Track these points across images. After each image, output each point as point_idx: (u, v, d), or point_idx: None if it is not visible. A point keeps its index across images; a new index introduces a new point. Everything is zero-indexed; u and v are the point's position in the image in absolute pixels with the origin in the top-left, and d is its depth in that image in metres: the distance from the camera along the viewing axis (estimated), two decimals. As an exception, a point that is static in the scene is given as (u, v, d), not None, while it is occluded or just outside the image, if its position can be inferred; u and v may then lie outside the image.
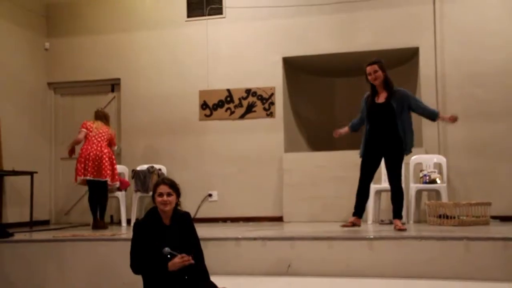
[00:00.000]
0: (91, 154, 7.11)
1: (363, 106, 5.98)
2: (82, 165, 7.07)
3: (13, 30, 8.22)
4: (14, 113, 8.09)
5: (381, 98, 5.81)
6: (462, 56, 7.59)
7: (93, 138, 7.22)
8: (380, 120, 5.79)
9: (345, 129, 6.24)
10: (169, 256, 3.73)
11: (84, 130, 7.23)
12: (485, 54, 7.51)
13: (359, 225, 5.90)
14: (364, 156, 5.93)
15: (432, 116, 5.98)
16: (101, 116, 7.50)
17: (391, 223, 6.67)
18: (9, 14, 8.14)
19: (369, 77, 5.79)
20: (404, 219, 6.81)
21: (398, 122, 5.73)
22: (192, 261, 3.73)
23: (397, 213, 5.86)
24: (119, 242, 5.55)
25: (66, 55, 8.88)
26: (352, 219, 5.90)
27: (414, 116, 8.11)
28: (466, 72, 7.55)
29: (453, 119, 5.89)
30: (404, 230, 5.57)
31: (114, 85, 8.84)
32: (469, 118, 7.45)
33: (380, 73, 5.74)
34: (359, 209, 5.96)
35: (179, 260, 3.71)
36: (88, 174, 7.06)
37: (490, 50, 7.50)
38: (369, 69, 5.78)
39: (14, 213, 7.80)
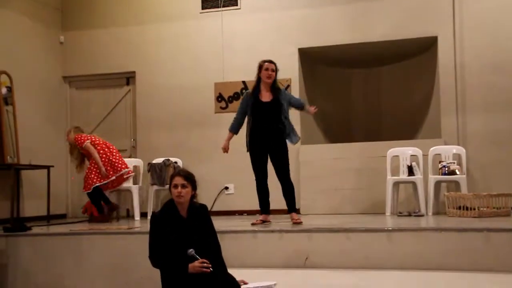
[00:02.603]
0: (115, 154, 7.26)
1: (246, 104, 6.06)
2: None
3: (28, 24, 8.25)
4: (30, 107, 8.13)
5: (266, 97, 6.01)
6: (482, 44, 7.46)
7: (102, 143, 7.29)
8: (265, 117, 5.96)
9: (228, 137, 6.28)
10: (192, 254, 3.74)
11: (88, 141, 7.19)
12: (505, 42, 7.38)
13: (269, 221, 6.04)
14: (253, 153, 6.06)
15: (301, 106, 6.23)
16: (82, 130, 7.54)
17: (409, 215, 6.61)
18: (24, 8, 8.16)
19: (265, 73, 5.96)
20: (422, 210, 6.75)
21: (283, 118, 5.97)
22: (210, 270, 3.71)
23: (292, 206, 6.04)
24: (136, 235, 5.56)
25: (81, 49, 8.89)
26: (261, 217, 6.05)
27: (432, 107, 8.08)
28: (486, 61, 7.41)
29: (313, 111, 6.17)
30: (300, 223, 5.70)
31: (129, 78, 8.83)
32: (489, 108, 7.36)
33: (274, 74, 6.01)
34: (266, 206, 6.13)
35: (199, 265, 3.71)
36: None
37: (510, 38, 7.36)
38: (268, 65, 6.00)
39: (31, 207, 7.85)
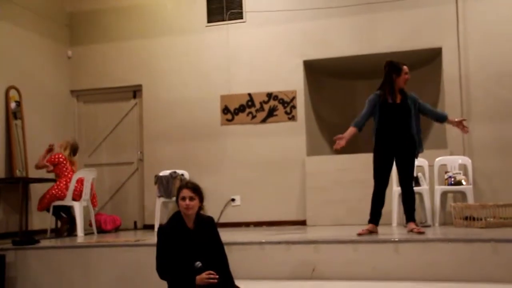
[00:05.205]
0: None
1: (372, 105, 5.80)
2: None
3: (36, 39, 8.35)
4: (38, 121, 8.20)
5: (397, 99, 5.76)
6: (486, 55, 7.49)
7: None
8: (394, 120, 5.71)
9: (350, 132, 5.91)
10: (199, 267, 3.77)
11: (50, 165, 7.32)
12: (510, 52, 7.39)
13: (376, 233, 5.64)
14: (380, 159, 5.77)
15: (441, 118, 5.92)
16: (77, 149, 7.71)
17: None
18: (32, 24, 8.26)
19: (406, 76, 5.74)
20: (429, 221, 6.75)
21: (412, 122, 5.70)
22: (216, 281, 3.73)
23: (411, 215, 5.73)
24: (143, 247, 5.57)
25: (88, 63, 8.98)
26: (368, 227, 5.66)
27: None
28: (491, 72, 7.44)
29: (463, 125, 5.83)
30: (423, 233, 5.43)
31: (136, 92, 8.90)
32: (494, 118, 7.37)
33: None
34: (377, 216, 5.74)
35: (206, 276, 3.73)
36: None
37: (514, 49, 7.40)
38: (407, 69, 5.77)
39: (40, 220, 7.88)
